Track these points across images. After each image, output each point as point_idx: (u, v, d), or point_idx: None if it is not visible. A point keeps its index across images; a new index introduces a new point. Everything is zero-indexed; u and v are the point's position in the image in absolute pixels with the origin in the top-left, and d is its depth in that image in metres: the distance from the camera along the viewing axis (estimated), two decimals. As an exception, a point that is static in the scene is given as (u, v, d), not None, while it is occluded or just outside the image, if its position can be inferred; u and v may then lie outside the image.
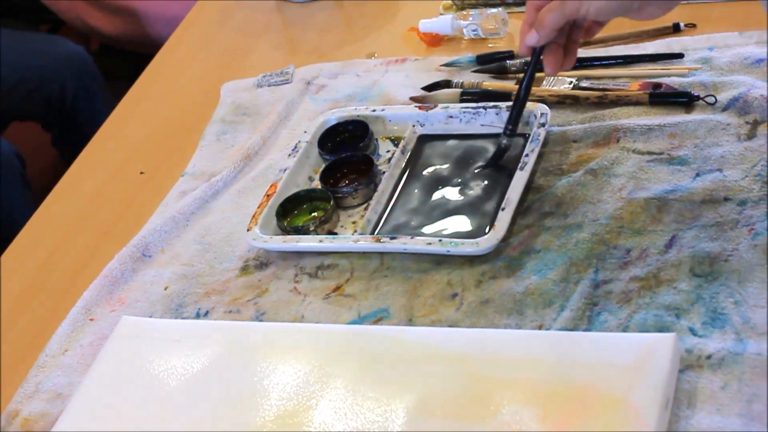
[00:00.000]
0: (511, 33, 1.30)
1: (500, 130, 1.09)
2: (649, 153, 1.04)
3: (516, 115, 1.06)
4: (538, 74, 1.18)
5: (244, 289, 1.04)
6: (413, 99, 1.21)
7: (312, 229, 1.06)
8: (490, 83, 1.20)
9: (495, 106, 1.11)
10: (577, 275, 0.94)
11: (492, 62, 1.24)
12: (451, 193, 1.07)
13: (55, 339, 1.04)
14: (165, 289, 1.07)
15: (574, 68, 1.18)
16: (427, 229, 1.03)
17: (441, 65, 1.26)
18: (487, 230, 1.00)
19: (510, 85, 1.19)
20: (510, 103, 1.11)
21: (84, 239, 1.19)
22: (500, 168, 1.07)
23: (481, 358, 0.88)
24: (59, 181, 1.30)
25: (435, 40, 1.32)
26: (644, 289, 0.91)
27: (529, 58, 1.02)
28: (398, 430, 0.84)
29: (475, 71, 1.24)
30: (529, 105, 1.09)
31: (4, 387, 1.03)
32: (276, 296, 1.02)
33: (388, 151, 1.14)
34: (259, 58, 1.41)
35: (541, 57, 1.01)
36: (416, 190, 1.08)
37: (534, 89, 1.15)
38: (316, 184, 1.12)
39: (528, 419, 0.82)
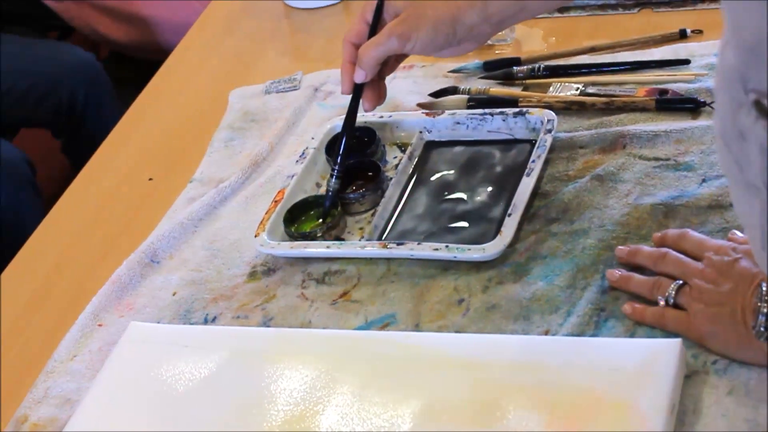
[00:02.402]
0: (518, 39, 1.31)
1: (508, 137, 1.09)
2: (656, 159, 1.04)
3: (342, 155, 1.08)
4: (543, 80, 1.19)
5: (251, 295, 1.04)
6: (420, 105, 1.21)
7: (319, 235, 1.06)
8: (497, 89, 1.21)
9: (502, 113, 1.11)
10: (584, 281, 0.94)
11: (499, 68, 1.24)
12: (457, 199, 1.07)
13: (63, 344, 1.05)
14: (173, 295, 1.07)
15: (581, 74, 1.19)
16: (433, 235, 1.04)
17: (448, 72, 1.27)
18: (493, 236, 1.00)
19: (517, 91, 1.19)
20: (517, 109, 1.11)
21: (93, 245, 1.19)
22: (505, 174, 1.07)
23: (487, 364, 0.88)
24: (68, 188, 1.30)
25: (442, 47, 1.32)
26: (651, 294, 0.91)
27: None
28: (405, 436, 0.85)
29: (482, 77, 1.24)
30: (536, 111, 1.10)
31: (14, 392, 1.03)
32: (283, 302, 1.02)
33: (395, 158, 1.15)
34: (267, 64, 1.42)
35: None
36: (423, 197, 1.09)
37: (541, 95, 1.16)
38: (324, 190, 1.13)
39: (534, 425, 0.82)
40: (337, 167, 1.08)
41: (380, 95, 1.07)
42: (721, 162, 0.70)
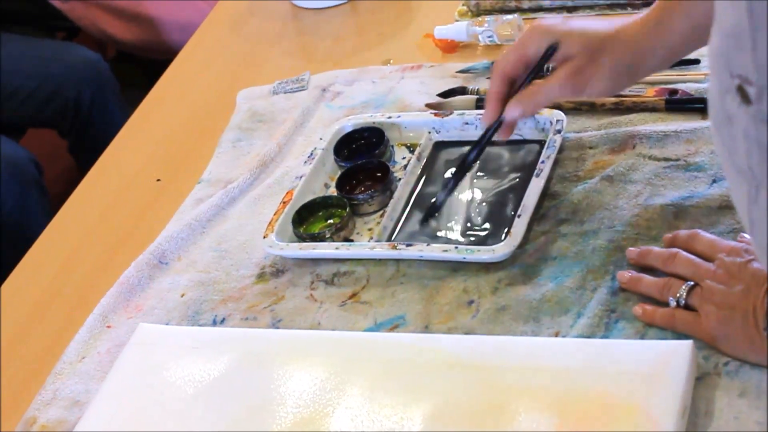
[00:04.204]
0: (526, 39, 1.30)
1: (517, 137, 1.09)
2: (666, 159, 1.04)
3: (454, 184, 1.03)
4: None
5: (260, 296, 1.04)
6: (429, 106, 1.21)
7: (328, 236, 1.06)
8: (506, 90, 1.20)
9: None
10: (593, 282, 0.94)
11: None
12: (466, 200, 1.07)
13: (72, 346, 1.05)
14: (182, 297, 1.07)
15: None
16: (442, 236, 1.03)
17: (456, 72, 1.26)
18: (503, 237, 1.00)
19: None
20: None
21: (101, 246, 1.19)
22: (514, 175, 1.07)
23: (497, 366, 0.87)
24: (76, 189, 1.30)
25: (450, 47, 1.32)
26: (661, 296, 0.91)
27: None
28: (415, 438, 0.84)
29: (490, 77, 1.23)
30: (546, 111, 1.09)
31: (23, 394, 1.03)
32: (292, 303, 1.02)
33: (404, 158, 1.14)
34: (274, 65, 1.42)
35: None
36: (432, 197, 1.08)
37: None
38: (332, 191, 1.12)
39: (544, 427, 0.82)
40: (451, 184, 1.03)
41: (514, 126, 1.02)
42: (716, 147, 0.70)
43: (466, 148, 1.11)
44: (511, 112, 0.99)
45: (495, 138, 1.01)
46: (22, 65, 2.13)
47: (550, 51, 0.97)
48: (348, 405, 0.88)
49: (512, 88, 1.01)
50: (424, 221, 1.05)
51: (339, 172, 1.14)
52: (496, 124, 1.00)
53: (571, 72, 0.96)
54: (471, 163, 1.02)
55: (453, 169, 1.08)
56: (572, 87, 0.97)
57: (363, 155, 1.14)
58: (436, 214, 1.04)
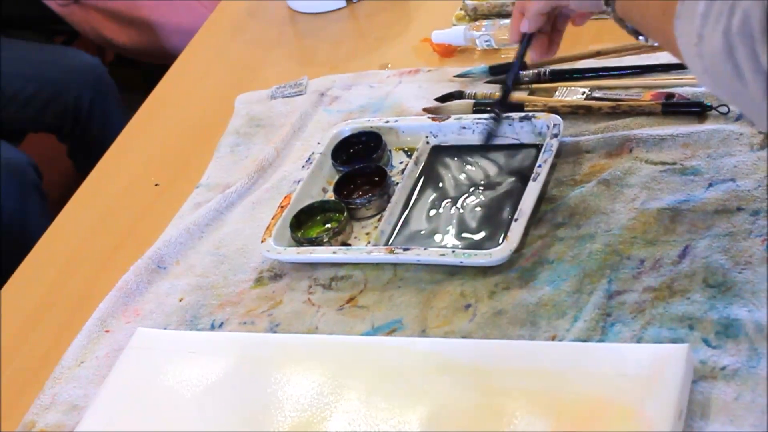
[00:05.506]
0: (523, 43, 1.30)
1: (514, 141, 1.09)
2: (662, 163, 1.04)
3: (503, 97, 1.10)
4: (549, 84, 1.19)
5: (258, 301, 1.04)
6: (426, 110, 1.21)
7: (326, 240, 1.06)
8: (503, 94, 1.20)
9: (508, 117, 1.11)
10: (590, 286, 0.94)
11: (505, 73, 1.23)
12: (463, 204, 1.07)
13: (71, 351, 1.05)
14: (180, 301, 1.07)
15: (587, 79, 1.19)
16: (440, 240, 1.04)
17: (454, 76, 1.27)
18: (500, 241, 1.00)
19: (524, 95, 1.19)
20: (523, 114, 1.11)
21: (99, 251, 1.19)
22: (511, 179, 1.07)
23: (494, 370, 0.88)
24: (75, 193, 1.30)
25: (448, 51, 1.32)
26: (658, 299, 0.91)
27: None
28: (412, 442, 0.85)
29: (487, 82, 1.24)
30: (542, 116, 1.10)
31: (21, 398, 1.03)
32: (290, 308, 1.02)
33: (402, 162, 1.15)
34: (272, 69, 1.42)
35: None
36: (429, 201, 1.09)
37: (546, 100, 1.16)
38: (330, 195, 1.13)
39: (541, 430, 0.82)
40: (495, 112, 1.10)
41: (549, 48, 1.08)
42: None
43: (464, 153, 1.13)
44: (521, 25, 1.05)
45: (531, 58, 1.09)
46: (22, 69, 2.13)
47: None
48: (345, 409, 0.88)
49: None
50: (488, 141, 1.10)
51: (337, 177, 1.14)
52: (525, 42, 1.07)
53: None
54: (509, 81, 1.09)
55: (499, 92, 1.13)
56: None
57: (361, 160, 1.15)
58: (496, 130, 1.10)
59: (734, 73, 0.74)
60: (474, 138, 1.13)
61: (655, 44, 0.91)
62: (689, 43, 0.77)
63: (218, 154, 1.27)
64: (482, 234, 1.03)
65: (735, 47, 0.73)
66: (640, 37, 0.93)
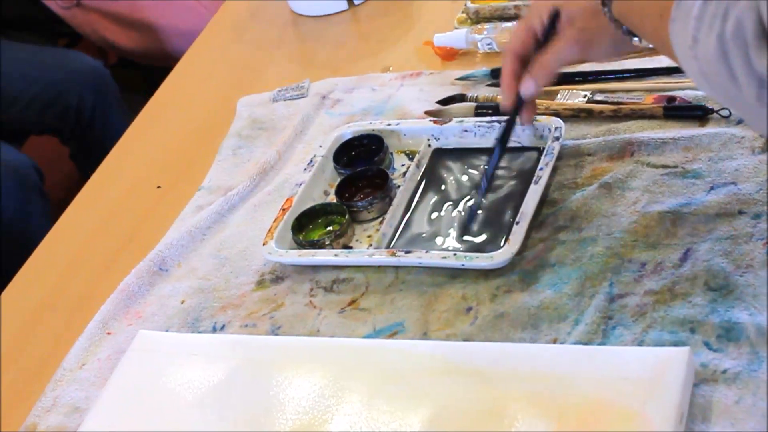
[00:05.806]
0: (525, 46, 1.30)
1: (515, 144, 1.09)
2: (664, 166, 1.04)
3: (492, 175, 1.04)
4: (552, 88, 1.19)
5: (260, 303, 1.04)
6: (428, 113, 1.21)
7: (327, 243, 1.06)
8: (505, 97, 1.20)
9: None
10: (591, 289, 0.94)
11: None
12: (465, 207, 1.07)
13: (72, 353, 1.05)
14: (181, 303, 1.07)
15: (589, 82, 1.19)
16: (441, 243, 1.04)
17: (456, 79, 1.27)
18: (501, 244, 1.00)
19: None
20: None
21: (101, 253, 1.19)
22: (513, 182, 1.07)
23: (495, 373, 0.88)
24: (77, 195, 1.31)
25: (450, 54, 1.32)
26: (659, 303, 0.91)
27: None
28: (413, 444, 0.85)
29: (489, 85, 1.24)
30: (544, 119, 1.10)
31: (23, 400, 1.03)
32: (291, 310, 1.03)
33: (403, 165, 1.15)
34: (274, 72, 1.42)
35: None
36: (431, 204, 1.09)
37: (548, 103, 1.16)
38: (332, 198, 1.13)
39: (543, 433, 0.82)
40: (484, 185, 1.03)
41: (535, 107, 1.03)
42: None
43: (466, 155, 1.13)
44: (526, 87, 1.00)
45: (517, 123, 1.02)
46: (24, 71, 2.14)
47: (554, 17, 0.98)
48: (347, 411, 0.89)
49: (524, 67, 1.01)
50: (465, 230, 1.04)
51: (338, 179, 1.14)
52: (517, 105, 1.01)
53: (576, 31, 0.97)
54: (498, 160, 1.03)
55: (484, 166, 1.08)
56: (579, 46, 0.98)
57: (362, 162, 1.15)
58: (476, 217, 1.04)
59: (729, 76, 0.74)
60: (476, 141, 1.13)
61: (650, 46, 0.91)
62: (684, 46, 0.77)
63: (220, 157, 1.27)
64: (484, 237, 1.03)
65: (729, 52, 0.73)
66: (634, 39, 0.93)
